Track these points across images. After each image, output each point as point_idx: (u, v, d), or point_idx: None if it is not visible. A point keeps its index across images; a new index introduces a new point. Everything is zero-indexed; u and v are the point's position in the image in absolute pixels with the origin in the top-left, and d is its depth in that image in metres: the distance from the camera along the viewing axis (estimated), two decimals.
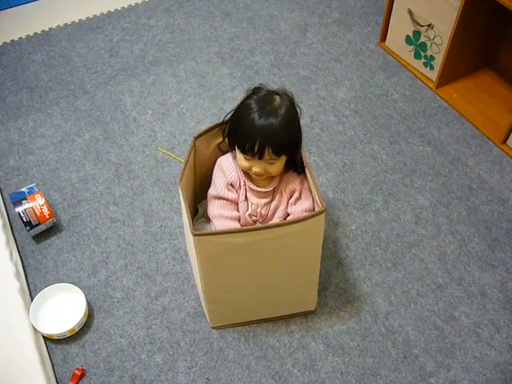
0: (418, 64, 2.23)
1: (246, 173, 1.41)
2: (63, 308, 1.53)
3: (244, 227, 1.27)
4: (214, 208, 1.42)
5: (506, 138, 1.97)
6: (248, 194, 1.43)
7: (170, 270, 1.64)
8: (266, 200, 1.43)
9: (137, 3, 2.59)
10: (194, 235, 1.19)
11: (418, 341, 1.49)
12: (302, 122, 1.36)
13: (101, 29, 2.46)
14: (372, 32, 2.43)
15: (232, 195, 1.42)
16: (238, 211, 1.43)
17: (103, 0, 2.61)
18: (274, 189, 1.42)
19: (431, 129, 2.04)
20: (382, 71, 2.27)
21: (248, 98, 1.33)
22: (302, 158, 1.37)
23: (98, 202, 1.81)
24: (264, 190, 1.41)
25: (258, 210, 1.42)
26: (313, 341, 1.49)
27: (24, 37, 2.42)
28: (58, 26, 2.48)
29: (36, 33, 2.44)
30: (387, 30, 2.33)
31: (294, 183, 1.41)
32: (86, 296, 1.54)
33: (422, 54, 2.19)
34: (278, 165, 1.34)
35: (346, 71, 2.26)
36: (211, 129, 1.43)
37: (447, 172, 1.90)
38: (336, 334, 1.50)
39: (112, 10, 2.55)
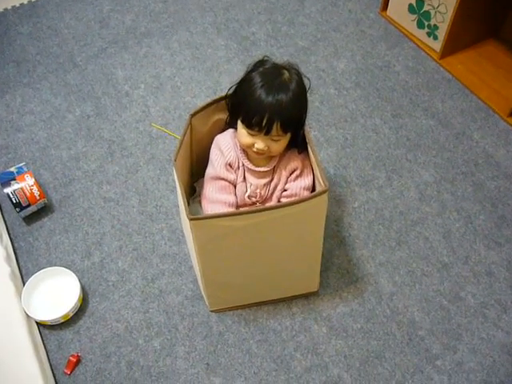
0: (421, 34, 2.15)
1: (244, 152, 1.34)
2: (56, 293, 1.48)
3: (242, 210, 1.21)
4: (212, 191, 1.35)
5: None
6: (246, 175, 1.36)
7: (166, 252, 1.58)
8: (266, 180, 1.36)
9: None
10: (190, 219, 1.13)
11: (424, 322, 1.45)
12: None
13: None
14: (373, 0, 2.33)
15: (231, 176, 1.35)
16: (236, 193, 1.37)
17: None
18: (273, 168, 1.36)
19: (435, 101, 1.97)
20: (384, 42, 2.18)
21: (252, 71, 1.26)
22: (304, 135, 1.31)
23: (91, 181, 1.74)
24: (263, 169, 1.34)
25: (258, 190, 1.36)
26: (315, 323, 1.45)
27: (10, 8, 2.31)
28: None
29: (22, 3, 2.33)
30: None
31: (295, 161, 1.35)
32: (79, 280, 1.49)
33: (426, 23, 2.10)
34: (282, 143, 1.27)
35: (346, 42, 2.18)
36: (208, 105, 1.36)
37: (452, 147, 1.84)
38: (339, 316, 1.46)
39: None
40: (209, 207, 1.35)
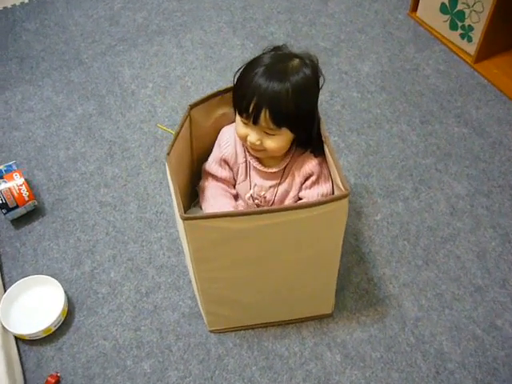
0: (454, 36, 1.97)
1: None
2: (39, 304, 1.33)
3: (246, 210, 1.03)
4: (207, 186, 1.22)
5: None
6: (252, 173, 1.20)
7: (164, 263, 1.42)
8: (273, 182, 1.20)
9: None
10: (184, 219, 0.97)
11: (454, 353, 1.26)
12: (321, 97, 1.13)
13: None
14: (401, 2, 2.17)
15: (223, 173, 1.21)
16: (235, 193, 1.21)
17: None
18: (283, 169, 1.19)
19: (468, 108, 1.79)
20: (413, 44, 2.01)
21: (263, 54, 1.11)
22: (320, 138, 1.14)
23: (88, 184, 1.60)
24: (270, 170, 1.18)
25: (262, 193, 1.19)
26: (328, 350, 1.26)
27: (18, 4, 2.21)
28: None
29: (31, 0, 2.23)
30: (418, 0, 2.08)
31: (310, 164, 1.18)
32: (65, 291, 1.34)
33: (459, 24, 1.93)
34: (278, 140, 1.10)
35: (371, 43, 2.01)
36: (211, 96, 1.20)
37: (487, 157, 1.65)
38: (356, 343, 1.27)
39: None
40: (205, 203, 1.20)
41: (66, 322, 1.31)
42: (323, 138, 1.11)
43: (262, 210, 0.98)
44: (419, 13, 2.09)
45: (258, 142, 1.09)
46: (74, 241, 1.47)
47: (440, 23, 2.01)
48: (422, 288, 1.37)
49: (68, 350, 1.28)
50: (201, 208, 1.26)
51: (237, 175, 1.23)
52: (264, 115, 1.04)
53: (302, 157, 1.19)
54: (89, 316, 1.33)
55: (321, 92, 1.14)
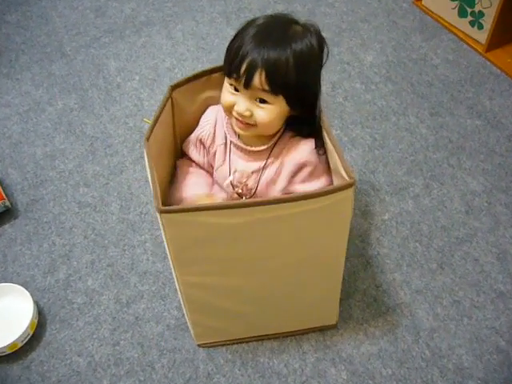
0: (463, 23, 1.83)
1: (231, 124, 1.04)
2: (4, 316, 1.18)
3: (235, 202, 0.88)
4: (180, 165, 1.11)
5: None
6: (232, 157, 1.05)
7: (148, 269, 1.28)
8: (256, 166, 1.03)
9: None
10: (161, 212, 0.82)
11: (475, 368, 1.11)
12: (322, 88, 1.00)
13: None
14: None
15: (196, 156, 1.09)
16: (207, 182, 1.08)
17: None
18: (270, 149, 1.03)
19: (481, 99, 1.65)
20: (419, 33, 1.87)
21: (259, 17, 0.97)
22: (317, 121, 0.99)
23: (66, 183, 1.45)
24: (254, 148, 1.02)
25: (244, 180, 1.04)
26: (332, 366, 1.11)
27: None
28: None
29: None
30: None
31: (304, 151, 1.01)
32: (36, 301, 1.19)
33: (469, 10, 1.79)
34: (271, 111, 0.94)
35: (375, 33, 1.87)
36: (196, 77, 1.07)
37: (504, 150, 1.51)
38: (363, 358, 1.12)
39: None
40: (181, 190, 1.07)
41: (35, 336, 1.16)
42: (321, 122, 0.96)
43: (255, 201, 0.84)
44: (425, 1, 1.96)
45: (246, 113, 0.93)
46: (49, 245, 1.33)
47: (448, 10, 1.87)
48: (437, 295, 1.22)
49: (37, 369, 1.13)
50: None
51: (214, 159, 1.08)
52: (259, 76, 0.89)
53: (296, 140, 1.02)
54: (62, 329, 1.18)
55: (322, 83, 0.99)
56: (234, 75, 0.91)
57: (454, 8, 1.85)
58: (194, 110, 1.10)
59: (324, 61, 0.98)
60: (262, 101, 0.93)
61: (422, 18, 1.94)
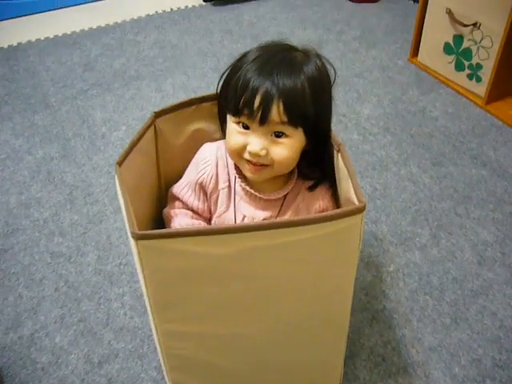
0: (461, 77, 1.79)
1: (239, 169, 0.93)
2: None
3: (225, 226, 0.74)
4: (173, 214, 0.95)
5: None
6: (239, 203, 0.93)
7: (124, 325, 1.13)
8: (267, 214, 0.92)
9: (124, 20, 2.23)
10: (137, 238, 0.69)
11: None
12: None
13: (78, 44, 2.08)
14: (400, 49, 2.03)
15: (195, 202, 0.94)
16: None
17: (84, 17, 2.27)
18: (284, 198, 0.93)
19: (485, 149, 1.57)
20: (416, 87, 1.83)
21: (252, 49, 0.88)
22: (331, 154, 0.89)
23: (39, 232, 1.33)
24: (267, 197, 0.91)
25: None
26: None
27: None
28: (29, 41, 2.11)
29: (2, 47, 2.07)
30: (419, 43, 1.92)
31: (324, 199, 0.92)
32: None
33: (466, 63, 1.76)
34: (289, 147, 0.83)
35: (370, 87, 1.83)
36: (183, 105, 0.97)
37: None
38: None
39: (94, 27, 2.19)
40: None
41: None
42: (335, 145, 0.86)
43: (250, 225, 0.72)
44: (420, 57, 1.94)
45: (263, 152, 0.82)
46: (15, 298, 1.18)
47: (444, 65, 1.84)
48: (454, 353, 1.07)
49: None
50: None
51: (215, 205, 0.96)
52: (277, 108, 0.79)
53: (308, 184, 0.92)
54: None
55: None
56: (246, 111, 0.80)
57: (450, 62, 1.82)
58: (181, 143, 1.00)
59: (332, 82, 0.90)
60: (278, 135, 0.82)
61: (418, 73, 1.90)
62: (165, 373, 0.95)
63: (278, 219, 0.71)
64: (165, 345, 0.85)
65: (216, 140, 0.99)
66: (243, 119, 0.82)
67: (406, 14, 2.26)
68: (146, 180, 0.96)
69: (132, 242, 0.72)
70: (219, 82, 0.92)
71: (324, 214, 0.73)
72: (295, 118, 0.80)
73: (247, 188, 0.91)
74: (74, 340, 1.10)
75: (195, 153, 0.98)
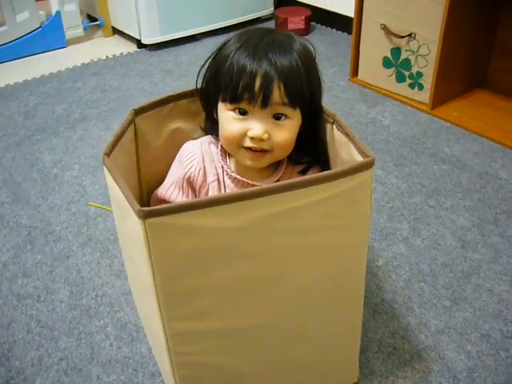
0: (403, 88, 1.86)
1: (226, 158, 0.89)
2: None
3: (236, 192, 0.68)
4: None
5: None
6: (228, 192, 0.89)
7: (113, 356, 1.02)
8: None
9: (59, 70, 2.18)
10: (143, 215, 0.63)
11: None
12: None
13: (15, 96, 2.00)
14: (339, 72, 2.10)
15: (185, 199, 0.89)
16: None
17: (18, 70, 2.19)
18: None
19: (440, 147, 1.62)
20: (362, 102, 1.88)
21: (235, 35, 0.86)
22: (324, 136, 0.88)
23: (0, 276, 1.21)
24: (261, 183, 0.87)
25: None
26: None
27: None
28: None
29: None
30: (358, 63, 2.00)
31: None
32: None
33: (406, 73, 1.83)
34: (289, 129, 0.81)
35: None
36: (161, 103, 0.93)
37: (479, 187, 1.44)
38: None
39: (29, 79, 2.12)
40: None
41: None
42: (331, 117, 0.85)
43: (261, 189, 0.66)
44: (360, 75, 2.00)
45: (265, 136, 0.79)
46: None
47: (385, 79, 1.91)
48: (462, 331, 1.04)
49: None
50: None
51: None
52: (277, 89, 0.76)
53: (299, 168, 0.90)
54: None
55: None
56: (246, 96, 0.77)
57: (390, 75, 1.89)
58: (161, 143, 0.95)
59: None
60: (278, 117, 0.80)
61: (361, 90, 1.96)
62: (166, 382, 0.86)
63: (288, 181, 0.67)
64: (175, 351, 0.77)
65: (195, 139, 0.95)
66: (243, 104, 0.79)
67: (337, 43, 2.36)
68: (129, 184, 0.89)
69: (134, 223, 0.65)
70: (199, 76, 0.89)
71: (333, 170, 0.70)
72: (295, 98, 0.79)
73: (238, 177, 0.87)
74: (58, 380, 0.98)
75: (175, 154, 0.93)
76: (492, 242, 1.26)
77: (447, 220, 1.33)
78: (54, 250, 1.28)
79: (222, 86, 0.81)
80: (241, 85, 0.77)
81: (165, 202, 0.91)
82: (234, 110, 0.80)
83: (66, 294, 1.16)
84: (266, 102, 0.77)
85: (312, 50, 0.86)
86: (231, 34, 0.86)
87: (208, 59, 0.87)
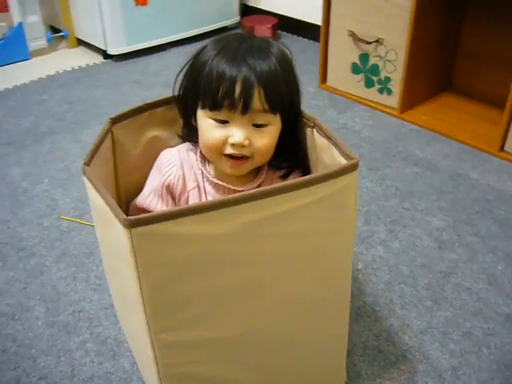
0: (372, 93, 1.89)
1: (206, 165, 0.89)
2: None
3: (224, 198, 0.68)
4: None
5: (503, 145, 1.60)
6: (209, 198, 0.88)
7: (94, 373, 0.99)
8: None
9: (24, 83, 2.13)
10: (129, 225, 0.61)
11: None
12: None
13: None
14: (308, 79, 2.10)
15: (163, 208, 0.87)
16: None
17: None
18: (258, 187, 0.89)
19: (411, 150, 1.64)
20: (333, 108, 1.90)
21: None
22: (303, 141, 0.88)
23: None
24: (240, 188, 0.87)
25: None
26: None
27: None
28: None
29: None
30: (326, 70, 2.01)
31: None
32: None
33: (375, 79, 1.86)
34: (269, 134, 0.81)
35: None
36: (137, 111, 0.92)
37: (451, 188, 1.47)
38: None
39: None
40: None
41: None
42: (310, 121, 0.85)
43: (249, 194, 0.66)
44: (329, 82, 2.02)
45: (246, 142, 0.78)
46: None
47: (354, 84, 1.93)
48: (444, 331, 1.05)
49: None
50: None
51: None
52: (258, 95, 0.76)
53: (280, 173, 0.90)
54: None
55: None
56: (226, 103, 0.76)
57: (359, 81, 1.91)
58: (139, 152, 0.93)
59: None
60: (257, 126, 0.80)
61: (330, 96, 1.98)
62: None
63: (272, 185, 0.67)
64: (163, 363, 0.75)
65: (172, 147, 0.94)
66: (223, 111, 0.78)
67: (305, 50, 2.38)
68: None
69: (119, 233, 0.64)
70: (175, 83, 0.88)
71: (318, 173, 0.70)
72: (275, 103, 0.79)
73: (219, 182, 0.86)
74: None
75: (154, 163, 0.92)
76: (468, 242, 1.28)
77: (423, 222, 1.35)
78: (27, 266, 1.24)
79: (201, 92, 0.81)
80: (220, 91, 0.77)
81: (144, 210, 0.89)
82: (214, 118, 0.80)
83: (41, 310, 1.12)
84: (246, 109, 0.77)
85: (289, 54, 0.86)
86: (207, 40, 0.85)
87: (185, 66, 0.87)
